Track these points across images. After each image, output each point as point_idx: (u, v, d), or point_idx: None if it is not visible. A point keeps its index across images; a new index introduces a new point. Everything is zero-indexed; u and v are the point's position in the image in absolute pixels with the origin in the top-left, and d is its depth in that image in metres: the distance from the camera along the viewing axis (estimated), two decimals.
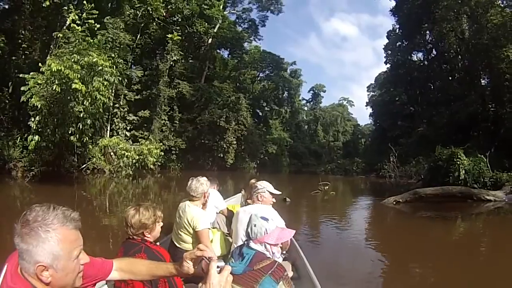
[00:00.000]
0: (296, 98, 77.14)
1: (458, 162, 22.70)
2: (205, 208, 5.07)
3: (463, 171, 22.51)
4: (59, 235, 1.59)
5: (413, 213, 15.73)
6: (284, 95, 71.67)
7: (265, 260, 3.32)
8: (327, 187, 24.58)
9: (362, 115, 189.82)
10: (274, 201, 5.09)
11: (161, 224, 3.42)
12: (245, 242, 3.61)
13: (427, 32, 42.85)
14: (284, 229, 4.08)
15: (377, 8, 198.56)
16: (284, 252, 5.43)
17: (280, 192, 5.13)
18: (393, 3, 47.70)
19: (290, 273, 4.25)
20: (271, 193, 5.00)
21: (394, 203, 17.84)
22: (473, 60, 32.89)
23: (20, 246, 1.56)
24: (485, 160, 22.95)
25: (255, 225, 3.72)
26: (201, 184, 4.71)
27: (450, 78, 40.07)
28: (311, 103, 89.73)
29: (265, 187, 5.11)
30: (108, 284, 3.19)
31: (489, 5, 30.12)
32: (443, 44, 38.64)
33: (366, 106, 70.32)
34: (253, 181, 6.01)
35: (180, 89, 38.56)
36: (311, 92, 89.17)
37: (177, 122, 38.95)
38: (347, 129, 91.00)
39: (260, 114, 63.96)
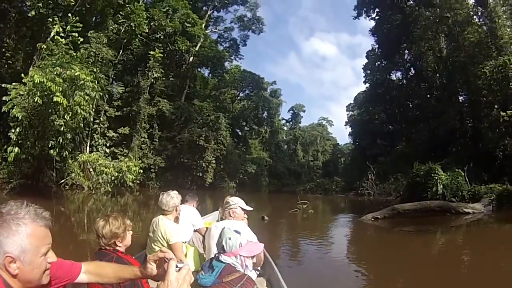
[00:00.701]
0: (276, 118, 77.50)
1: (436, 177, 22.98)
2: (177, 222, 5.07)
3: (441, 186, 22.81)
4: (28, 230, 1.66)
5: (392, 228, 15.75)
6: (264, 115, 71.90)
7: (235, 273, 3.29)
8: (306, 206, 24.61)
9: (342, 134, 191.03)
10: (246, 217, 5.09)
11: (131, 232, 3.42)
12: (216, 255, 3.56)
13: (406, 51, 43.54)
14: (254, 243, 4.04)
15: (356, 28, 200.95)
16: (259, 268, 5.37)
17: (251, 208, 5.09)
18: (372, 23, 48.60)
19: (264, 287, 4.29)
20: (243, 209, 4.98)
21: (372, 219, 17.91)
22: (451, 78, 33.52)
23: None
24: (462, 174, 23.29)
25: (229, 238, 3.73)
26: (171, 197, 4.71)
27: (428, 96, 40.59)
28: (291, 123, 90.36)
29: (237, 203, 5.07)
30: None
31: (466, 23, 30.84)
32: (421, 62, 39.40)
33: (345, 125, 71.03)
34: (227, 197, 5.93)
35: (160, 107, 38.40)
36: (291, 111, 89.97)
37: (157, 140, 38.80)
38: (326, 149, 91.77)
39: (240, 133, 64.08)
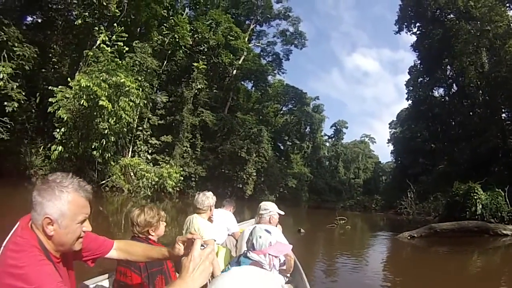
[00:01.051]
0: (318, 133, 76.96)
1: (475, 197, 22.28)
2: (211, 221, 5.15)
3: (480, 206, 22.09)
4: (70, 198, 1.81)
5: (428, 247, 15.44)
6: (306, 130, 71.53)
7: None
8: (344, 222, 24.48)
9: (384, 152, 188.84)
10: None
11: (165, 223, 3.56)
12: (244, 251, 3.69)
13: (448, 67, 42.67)
14: (283, 243, 4.18)
15: (398, 43, 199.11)
16: (288, 275, 5.50)
17: (283, 212, 5.24)
18: (414, 38, 48.02)
19: None
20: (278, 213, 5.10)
21: (409, 238, 17.55)
22: (493, 94, 32.58)
23: (35, 198, 1.79)
24: (503, 194, 22.48)
25: (260, 237, 3.85)
26: (207, 197, 4.82)
27: (471, 113, 39.60)
28: (333, 139, 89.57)
29: (274, 209, 5.24)
30: (109, 279, 3.44)
31: (507, 36, 30.05)
32: (463, 78, 38.35)
33: (387, 143, 69.64)
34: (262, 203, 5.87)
35: (203, 117, 38.78)
36: (333, 128, 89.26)
37: (199, 150, 39.07)
38: (368, 166, 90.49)
39: (282, 147, 64.01)
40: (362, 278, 8.72)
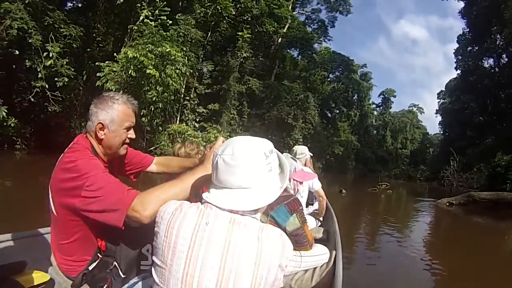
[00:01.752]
0: (366, 101, 76.07)
1: None
2: None
3: None
4: (119, 108, 2.31)
5: (465, 216, 15.37)
6: (354, 98, 70.82)
7: (284, 192, 3.89)
8: (386, 187, 24.72)
9: (432, 123, 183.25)
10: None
11: None
12: None
13: (497, 35, 40.93)
14: (308, 172, 4.80)
15: (446, 10, 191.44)
16: (321, 218, 6.10)
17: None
18: (462, 4, 46.20)
19: (320, 235, 4.56)
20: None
21: (447, 204, 17.73)
22: None
23: (92, 109, 2.30)
24: None
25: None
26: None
27: None
28: (381, 107, 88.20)
29: (308, 152, 5.92)
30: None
31: None
32: None
33: (436, 114, 67.63)
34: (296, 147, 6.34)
35: (250, 85, 39.14)
36: (381, 96, 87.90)
37: (246, 117, 39.45)
38: (415, 137, 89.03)
39: (329, 115, 63.84)
40: (394, 241, 8.64)
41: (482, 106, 45.22)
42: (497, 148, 30.56)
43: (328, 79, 63.69)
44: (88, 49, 23.88)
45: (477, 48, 45.73)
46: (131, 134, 2.43)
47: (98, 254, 2.36)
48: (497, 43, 42.32)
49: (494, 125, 39.36)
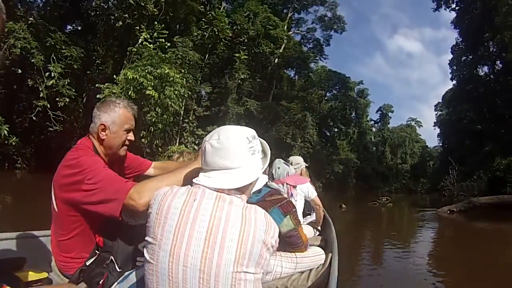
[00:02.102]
0: (363, 118, 76.42)
1: None
2: None
3: None
4: (121, 111, 2.54)
5: (467, 223, 15.36)
6: (352, 116, 71.18)
7: (277, 195, 3.76)
8: (385, 199, 24.80)
9: (431, 136, 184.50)
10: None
11: None
12: (266, 183, 4.28)
13: (490, 42, 41.33)
14: (300, 177, 4.86)
15: (439, 21, 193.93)
16: (319, 228, 6.14)
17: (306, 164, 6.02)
18: (454, 15, 47.00)
19: (318, 243, 4.60)
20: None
21: (448, 212, 17.81)
22: None
23: (95, 112, 2.53)
24: None
25: (278, 168, 4.60)
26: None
27: None
28: (379, 123, 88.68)
29: (303, 163, 6.13)
30: None
31: None
32: (507, 54, 36.80)
33: (434, 126, 67.47)
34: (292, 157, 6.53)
35: (248, 106, 39.18)
36: (379, 112, 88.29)
37: None
38: (415, 151, 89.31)
39: (328, 134, 64.05)
40: (395, 253, 8.40)
41: (480, 114, 45.37)
42: (496, 154, 30.92)
43: (326, 98, 64.24)
44: (88, 72, 24.21)
45: (471, 57, 46.31)
46: (131, 136, 2.65)
47: (96, 251, 2.47)
48: (491, 50, 42.94)
49: (492, 132, 39.39)
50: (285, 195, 3.97)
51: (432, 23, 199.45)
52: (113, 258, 2.37)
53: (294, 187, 4.58)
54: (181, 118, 30.06)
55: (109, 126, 2.51)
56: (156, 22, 24.31)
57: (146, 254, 1.75)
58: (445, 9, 47.43)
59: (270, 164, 4.73)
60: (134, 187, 2.12)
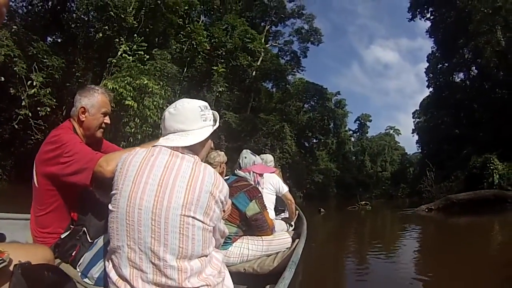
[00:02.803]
0: (342, 128, 76.78)
1: (492, 167, 22.55)
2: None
3: (497, 176, 22.32)
4: (99, 96, 2.96)
5: (446, 219, 15.46)
6: (330, 126, 71.17)
7: (243, 182, 4.22)
8: (364, 203, 25.25)
9: (410, 143, 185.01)
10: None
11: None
12: (234, 172, 4.67)
13: (464, 49, 42.09)
14: (266, 166, 5.40)
15: (414, 32, 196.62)
16: (292, 223, 6.61)
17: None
18: (429, 24, 47.76)
19: (289, 240, 4.68)
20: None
21: (427, 210, 18.15)
22: (510, 72, 32.22)
23: (77, 97, 2.95)
24: None
25: (245, 157, 5.01)
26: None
27: (492, 95, 38.26)
28: (358, 133, 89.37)
29: (273, 161, 6.63)
30: None
31: None
32: (481, 60, 37.87)
33: (412, 133, 68.23)
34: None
35: (226, 119, 39.09)
36: (357, 122, 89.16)
37: (224, 150, 38.64)
38: (394, 159, 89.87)
39: (306, 144, 64.15)
40: (374, 253, 8.01)
41: (457, 119, 45.99)
42: (473, 155, 31.10)
43: (304, 109, 64.36)
44: (68, 84, 24.28)
45: (446, 64, 46.96)
46: (107, 119, 3.04)
47: (71, 226, 2.75)
48: (466, 57, 43.56)
49: (470, 136, 39.60)
50: (252, 183, 4.38)
51: (407, 33, 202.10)
52: (85, 230, 2.63)
53: (261, 175, 4.93)
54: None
55: (88, 109, 2.90)
56: (135, 35, 24.62)
57: (109, 206, 2.08)
58: (420, 18, 48.29)
59: (239, 155, 5.19)
60: (103, 157, 2.49)
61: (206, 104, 2.35)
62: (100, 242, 2.56)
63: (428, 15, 47.22)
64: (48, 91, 19.71)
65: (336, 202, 51.18)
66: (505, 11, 31.72)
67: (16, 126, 19.81)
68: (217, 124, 2.39)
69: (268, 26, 54.00)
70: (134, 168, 2.05)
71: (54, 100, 20.25)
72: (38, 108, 19.39)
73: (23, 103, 18.97)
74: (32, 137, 19.79)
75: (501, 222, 13.10)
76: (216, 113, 2.45)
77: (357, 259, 6.99)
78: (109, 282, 2.07)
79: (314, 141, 67.61)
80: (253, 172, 4.75)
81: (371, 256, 7.42)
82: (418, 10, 47.60)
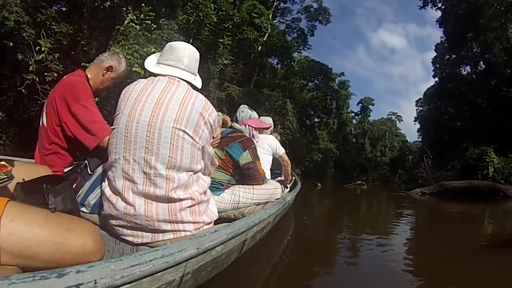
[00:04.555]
0: (344, 109, 76.71)
1: (487, 160, 22.82)
2: None
3: (492, 169, 22.58)
4: (123, 67, 3.58)
5: (438, 204, 15.66)
6: (332, 106, 71.22)
7: (238, 133, 4.51)
8: (360, 182, 25.69)
9: (411, 131, 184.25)
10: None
11: None
12: (230, 125, 4.89)
13: (473, 43, 41.70)
14: (261, 121, 5.54)
15: (424, 19, 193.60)
16: (288, 185, 6.84)
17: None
18: (439, 13, 46.92)
19: (280, 191, 5.10)
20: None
21: (420, 194, 18.53)
22: None
23: (107, 57, 3.51)
24: None
25: (242, 111, 5.26)
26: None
27: (497, 91, 38.04)
28: (360, 116, 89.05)
29: (272, 123, 6.64)
30: None
31: None
32: (489, 55, 37.75)
33: (414, 121, 67.66)
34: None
35: (229, 91, 39.54)
36: (360, 105, 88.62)
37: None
38: (394, 145, 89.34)
39: (308, 123, 64.20)
40: (365, 232, 7.71)
41: (460, 112, 45.73)
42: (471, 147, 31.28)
43: (307, 87, 64.33)
44: (72, 52, 24.26)
45: (454, 56, 46.50)
46: (113, 86, 3.62)
47: (74, 162, 3.12)
48: (474, 50, 43.16)
49: (471, 130, 39.41)
50: (247, 135, 4.67)
51: (417, 19, 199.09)
52: (87, 163, 2.87)
53: (256, 129, 5.14)
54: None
55: (114, 70, 3.48)
56: (143, 4, 24.54)
57: (112, 126, 2.52)
58: (431, 7, 47.48)
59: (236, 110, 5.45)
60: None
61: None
62: (98, 170, 2.81)
63: (440, 5, 46.21)
64: (56, 57, 19.77)
65: (333, 182, 51.38)
66: None
67: (24, 91, 19.96)
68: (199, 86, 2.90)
69: (277, 2, 53.32)
70: (135, 92, 2.49)
71: (61, 66, 20.32)
72: (45, 74, 19.49)
73: (31, 68, 19.08)
74: (39, 101, 19.91)
75: (492, 212, 13.30)
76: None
77: (349, 236, 6.93)
78: (103, 199, 2.41)
79: (316, 120, 67.73)
80: (249, 125, 4.97)
81: (363, 233, 7.39)
82: None
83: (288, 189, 7.20)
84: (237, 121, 5.07)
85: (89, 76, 3.33)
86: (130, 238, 2.29)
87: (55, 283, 1.18)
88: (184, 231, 2.31)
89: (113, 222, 2.31)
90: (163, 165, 2.24)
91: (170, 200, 2.26)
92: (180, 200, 2.28)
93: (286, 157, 6.37)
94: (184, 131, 2.32)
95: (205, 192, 2.52)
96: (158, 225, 2.25)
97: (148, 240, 2.27)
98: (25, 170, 2.19)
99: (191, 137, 2.35)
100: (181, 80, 2.58)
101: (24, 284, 1.10)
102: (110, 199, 2.30)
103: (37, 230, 1.47)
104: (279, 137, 7.66)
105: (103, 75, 3.42)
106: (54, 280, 1.18)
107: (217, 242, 2.22)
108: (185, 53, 2.76)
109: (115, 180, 2.30)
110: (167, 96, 2.40)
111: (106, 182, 2.40)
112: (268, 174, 5.70)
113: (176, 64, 2.67)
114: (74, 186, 2.68)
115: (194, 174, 2.42)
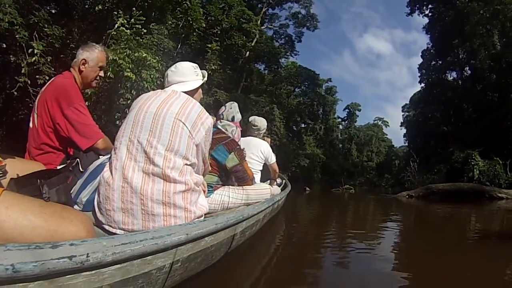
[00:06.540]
0: (331, 115, 77.09)
1: (473, 163, 23.21)
2: None
3: (477, 172, 22.99)
4: (98, 52, 3.61)
5: (425, 206, 15.81)
6: (319, 112, 71.73)
7: (222, 135, 4.45)
8: (347, 187, 26.01)
9: (397, 137, 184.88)
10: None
11: None
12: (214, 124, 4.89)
13: (459, 49, 42.17)
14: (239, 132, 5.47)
15: (410, 25, 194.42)
16: (277, 181, 6.90)
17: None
18: (426, 20, 47.46)
19: (269, 191, 5.09)
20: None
21: (407, 197, 18.74)
22: (504, 76, 32.44)
23: (79, 51, 3.55)
24: (501, 163, 23.35)
25: (231, 108, 4.96)
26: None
27: (483, 97, 38.36)
28: (346, 121, 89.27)
29: (265, 127, 6.73)
30: None
31: None
32: (475, 61, 38.23)
33: (400, 126, 68.59)
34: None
35: (217, 97, 39.63)
36: (346, 110, 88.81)
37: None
38: (381, 150, 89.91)
39: (295, 128, 64.39)
40: (353, 233, 7.49)
41: (446, 117, 46.18)
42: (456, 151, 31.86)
43: (294, 93, 64.78)
44: (62, 55, 24.21)
45: (440, 62, 46.96)
46: (102, 73, 3.69)
47: (67, 161, 3.14)
48: (460, 56, 43.70)
49: (457, 135, 39.75)
50: (230, 135, 4.55)
51: (403, 25, 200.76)
52: (78, 161, 2.93)
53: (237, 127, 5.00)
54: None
55: (88, 62, 3.52)
56: (134, 8, 24.60)
57: (119, 132, 2.67)
58: (418, 14, 48.02)
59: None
60: (103, 139, 3.21)
61: (197, 66, 3.22)
62: (90, 167, 2.89)
63: (427, 12, 46.94)
64: (48, 59, 19.76)
65: (320, 187, 51.44)
66: (503, 16, 32.01)
67: (15, 93, 19.95)
68: (205, 78, 3.24)
69: (265, 8, 53.62)
70: (141, 101, 2.79)
71: (53, 69, 20.31)
72: (37, 76, 19.47)
73: (23, 71, 19.09)
74: (30, 105, 19.75)
75: (477, 213, 13.49)
76: (205, 71, 3.28)
77: (338, 237, 6.72)
78: (100, 184, 2.52)
79: (303, 125, 67.87)
80: (237, 127, 4.87)
81: (351, 235, 7.25)
82: (417, 5, 47.22)
83: (279, 186, 7.23)
84: (221, 120, 4.81)
85: (74, 76, 3.50)
86: (121, 226, 2.37)
87: (49, 253, 1.27)
88: (175, 217, 2.43)
89: (107, 206, 2.39)
90: (162, 146, 2.48)
91: (165, 177, 2.42)
92: (175, 182, 2.45)
93: (276, 166, 6.60)
94: (184, 123, 2.61)
95: (197, 184, 2.68)
96: (151, 206, 2.35)
97: (138, 227, 2.35)
98: (19, 166, 2.33)
99: (189, 130, 2.62)
100: (182, 93, 2.90)
101: (19, 251, 1.18)
102: (108, 180, 2.42)
103: (31, 218, 1.54)
104: (269, 141, 7.73)
105: (81, 71, 3.53)
106: (48, 250, 1.27)
107: (206, 231, 2.38)
108: (183, 69, 3.17)
109: (118, 159, 2.47)
110: (171, 100, 2.75)
111: (107, 167, 2.54)
112: (258, 179, 5.77)
113: (178, 80, 3.10)
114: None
115: (189, 165, 2.61)
